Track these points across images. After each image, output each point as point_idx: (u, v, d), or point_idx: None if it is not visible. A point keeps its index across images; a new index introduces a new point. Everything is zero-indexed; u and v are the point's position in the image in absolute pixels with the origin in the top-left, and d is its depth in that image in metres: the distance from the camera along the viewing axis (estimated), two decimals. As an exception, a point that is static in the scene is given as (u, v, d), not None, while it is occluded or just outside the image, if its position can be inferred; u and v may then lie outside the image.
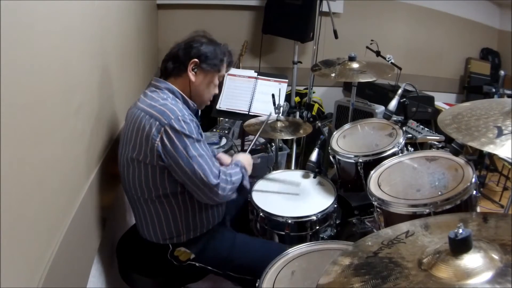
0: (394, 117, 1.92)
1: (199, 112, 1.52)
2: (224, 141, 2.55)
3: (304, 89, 3.53)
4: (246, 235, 1.59)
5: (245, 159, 1.60)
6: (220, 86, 2.24)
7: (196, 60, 1.43)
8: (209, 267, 1.47)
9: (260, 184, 1.80)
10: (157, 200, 1.39)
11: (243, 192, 1.53)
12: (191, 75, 1.44)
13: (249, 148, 1.78)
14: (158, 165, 1.32)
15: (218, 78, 1.52)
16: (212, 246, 1.47)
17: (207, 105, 1.58)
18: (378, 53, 2.51)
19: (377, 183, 1.50)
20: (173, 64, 1.44)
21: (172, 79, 1.45)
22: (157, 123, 1.29)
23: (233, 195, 1.45)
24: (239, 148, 2.48)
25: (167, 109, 1.31)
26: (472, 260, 0.71)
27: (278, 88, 2.11)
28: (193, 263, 1.45)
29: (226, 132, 2.69)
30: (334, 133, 2.04)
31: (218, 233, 1.51)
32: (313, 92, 3.41)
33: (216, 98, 2.23)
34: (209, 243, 1.47)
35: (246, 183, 1.51)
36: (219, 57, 1.47)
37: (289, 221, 1.56)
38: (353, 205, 1.95)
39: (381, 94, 3.01)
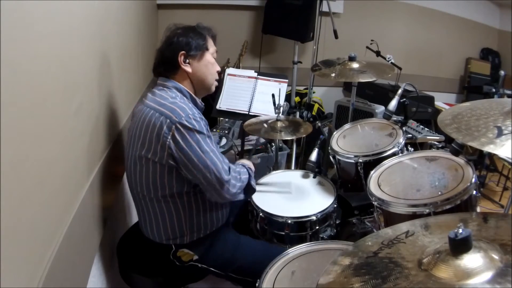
0: (394, 117, 1.91)
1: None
2: (224, 141, 2.55)
3: (304, 89, 3.53)
4: (249, 237, 1.59)
5: (249, 163, 1.61)
6: (220, 84, 2.24)
7: (182, 52, 1.43)
8: (211, 268, 1.47)
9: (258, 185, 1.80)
10: (162, 200, 1.38)
11: (250, 193, 1.53)
12: (186, 67, 1.44)
13: (250, 154, 1.78)
14: (167, 163, 1.32)
15: (211, 55, 1.51)
16: (215, 247, 1.47)
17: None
18: (378, 53, 2.51)
19: (377, 183, 1.50)
20: (164, 66, 1.46)
21: (171, 78, 1.46)
22: (168, 120, 1.29)
23: (241, 195, 1.45)
24: (239, 148, 2.48)
25: (177, 107, 1.32)
26: (472, 260, 0.71)
27: (278, 88, 2.10)
28: (196, 264, 1.45)
29: (226, 132, 2.69)
30: (334, 133, 2.04)
31: (221, 234, 1.51)
32: (313, 92, 3.41)
33: (216, 98, 2.23)
34: (212, 244, 1.47)
35: (253, 183, 1.52)
36: (200, 37, 1.47)
37: (289, 221, 1.56)
38: (353, 205, 1.95)
39: (381, 94, 3.01)
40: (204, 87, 1.52)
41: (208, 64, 1.49)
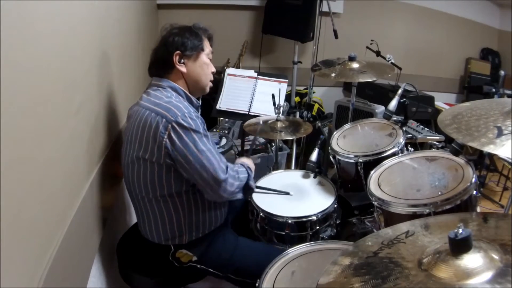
0: (394, 117, 1.91)
1: (199, 111, 1.51)
2: (224, 141, 2.55)
3: (304, 89, 3.53)
4: (248, 239, 1.59)
5: (249, 162, 1.60)
6: (220, 84, 2.24)
7: (178, 52, 1.42)
8: (210, 269, 1.47)
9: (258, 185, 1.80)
10: (161, 199, 1.38)
11: (249, 193, 1.53)
12: (181, 67, 1.43)
13: (250, 151, 1.78)
14: (165, 163, 1.32)
15: (206, 56, 1.50)
16: (214, 248, 1.47)
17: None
18: (378, 53, 2.50)
19: (377, 183, 1.50)
20: (157, 66, 1.46)
21: (165, 77, 1.45)
22: (164, 120, 1.29)
23: (239, 194, 1.45)
24: (239, 148, 2.48)
25: (172, 106, 1.31)
26: (472, 260, 0.71)
27: (278, 88, 2.10)
28: (195, 265, 1.45)
29: (226, 132, 2.69)
30: (334, 133, 2.04)
31: (220, 235, 1.51)
32: (313, 92, 3.41)
33: (216, 98, 2.23)
34: (211, 245, 1.47)
35: (252, 183, 1.51)
36: (196, 38, 1.46)
37: (289, 221, 1.56)
38: (353, 205, 1.95)
39: (381, 94, 3.01)
40: (199, 88, 1.51)
41: (203, 65, 1.49)
